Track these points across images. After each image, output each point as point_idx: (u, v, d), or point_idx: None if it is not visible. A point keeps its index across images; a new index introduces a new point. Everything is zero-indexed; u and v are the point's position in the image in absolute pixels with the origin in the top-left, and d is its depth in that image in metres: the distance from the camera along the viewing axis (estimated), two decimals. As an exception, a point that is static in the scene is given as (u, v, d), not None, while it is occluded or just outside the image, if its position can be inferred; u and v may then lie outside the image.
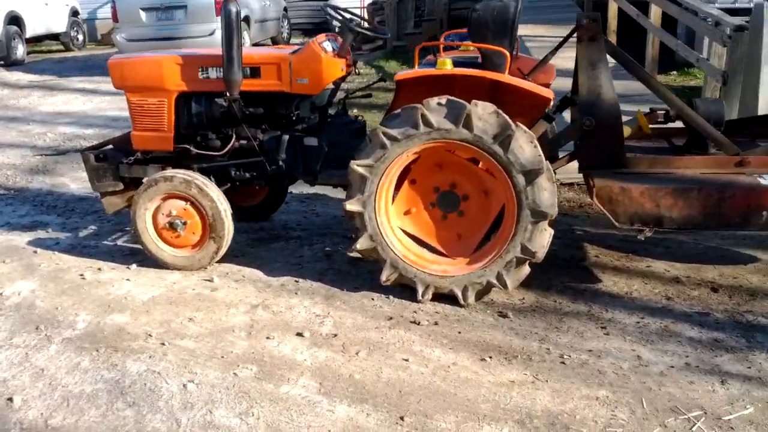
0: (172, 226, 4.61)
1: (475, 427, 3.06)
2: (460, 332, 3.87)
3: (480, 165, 4.20)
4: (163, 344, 3.80)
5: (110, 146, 5.13)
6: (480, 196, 4.17)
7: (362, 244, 4.18)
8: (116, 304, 4.29)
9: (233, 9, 4.39)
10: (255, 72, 4.54)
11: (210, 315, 4.12)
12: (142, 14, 12.53)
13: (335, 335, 3.86)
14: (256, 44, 13.65)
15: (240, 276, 4.63)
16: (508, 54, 4.07)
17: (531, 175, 3.88)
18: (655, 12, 8.87)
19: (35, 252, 5.15)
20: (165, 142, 4.79)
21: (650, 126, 4.65)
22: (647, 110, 4.68)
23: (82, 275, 4.71)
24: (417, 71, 4.10)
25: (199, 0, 12.42)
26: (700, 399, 3.21)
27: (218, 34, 12.23)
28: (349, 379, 3.45)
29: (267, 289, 4.43)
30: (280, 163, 4.70)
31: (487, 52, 4.18)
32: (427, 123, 3.92)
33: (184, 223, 4.59)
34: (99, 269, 4.80)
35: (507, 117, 3.86)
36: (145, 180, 4.67)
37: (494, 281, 4.07)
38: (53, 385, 3.47)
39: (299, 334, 3.87)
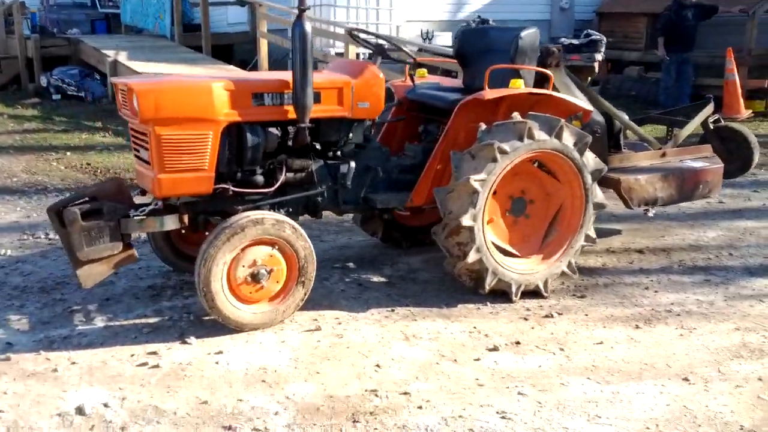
0: (255, 278, 3.78)
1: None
2: (587, 314, 4.26)
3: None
4: (428, 401, 3.26)
5: (86, 199, 3.84)
6: (543, 199, 4.57)
7: (472, 257, 4.19)
8: (279, 379, 3.40)
9: (307, 26, 3.88)
10: (315, 97, 4.04)
11: (398, 364, 3.61)
12: None
13: (516, 343, 3.87)
14: None
15: (331, 318, 4.06)
16: (551, 74, 4.59)
17: (596, 174, 4.51)
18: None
19: (6, 358, 3.52)
20: (204, 183, 3.86)
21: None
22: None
23: (146, 364, 3.50)
24: (504, 90, 4.30)
25: None
26: None
27: None
28: (626, 365, 3.63)
29: (386, 321, 4.05)
30: (329, 193, 4.26)
31: (526, 73, 4.59)
32: (531, 136, 4.21)
33: (269, 272, 3.81)
34: (154, 353, 3.60)
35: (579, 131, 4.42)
36: (222, 227, 3.70)
37: (566, 270, 4.56)
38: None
39: (494, 349, 3.75)
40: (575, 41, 10.46)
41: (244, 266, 3.75)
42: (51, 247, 5.19)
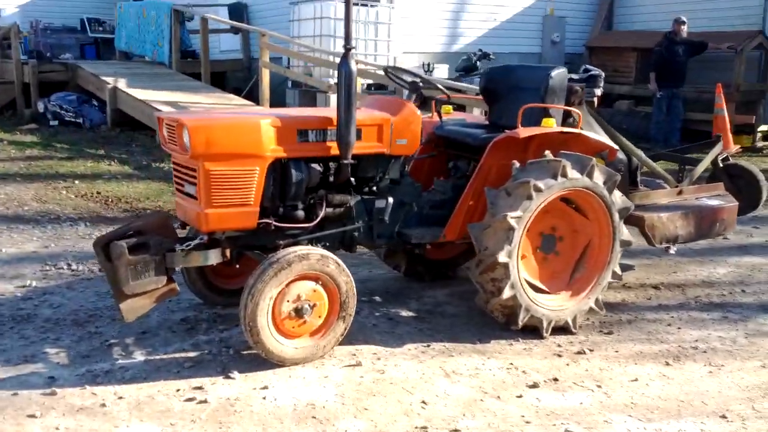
0: (298, 313, 3.81)
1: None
2: (617, 351, 4.33)
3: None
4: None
5: (131, 233, 3.86)
6: (571, 236, 4.65)
7: (507, 293, 4.25)
8: (328, 415, 3.42)
9: (353, 64, 3.95)
10: (357, 134, 4.10)
11: (443, 401, 3.65)
12: None
13: (554, 380, 3.93)
14: None
15: (369, 353, 4.09)
16: (580, 113, 4.70)
17: (623, 212, 4.61)
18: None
19: (51, 393, 3.50)
20: (249, 218, 3.91)
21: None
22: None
23: (193, 399, 3.50)
24: (538, 129, 4.39)
25: None
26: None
27: None
28: (664, 402, 3.70)
29: (423, 356, 4.08)
30: (364, 228, 4.32)
31: (555, 111, 4.70)
32: (564, 174, 4.30)
33: (312, 307, 3.85)
34: (199, 388, 3.61)
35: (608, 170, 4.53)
36: (269, 262, 3.72)
37: (594, 306, 4.64)
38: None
39: (534, 386, 3.81)
40: (575, 76, 10.69)
41: (288, 301, 3.78)
42: (75, 278, 5.18)
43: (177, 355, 3.98)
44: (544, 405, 3.63)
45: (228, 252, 4.00)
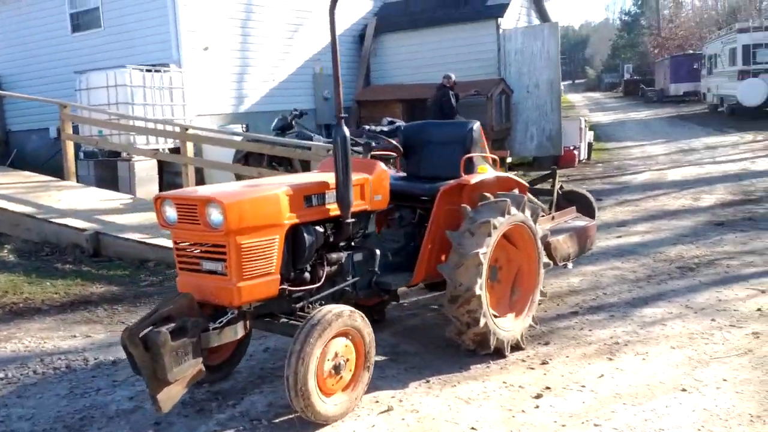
0: (336, 370, 3.86)
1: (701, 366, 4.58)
2: (567, 356, 4.94)
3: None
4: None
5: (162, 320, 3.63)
6: (506, 264, 5.20)
7: (482, 322, 4.67)
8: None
9: (346, 131, 4.14)
10: (346, 194, 4.27)
11: (486, 423, 3.93)
12: None
13: (548, 388, 4.41)
14: None
15: (387, 397, 4.23)
16: (498, 158, 5.29)
17: (544, 239, 5.30)
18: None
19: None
20: (273, 286, 3.91)
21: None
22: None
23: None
24: (482, 175, 4.89)
25: None
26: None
27: None
28: (636, 388, 4.32)
29: (433, 391, 4.31)
30: (365, 279, 4.50)
31: (478, 158, 5.25)
32: (509, 212, 4.86)
33: (346, 362, 3.92)
34: (269, 461, 3.50)
35: (533, 204, 5.18)
36: (311, 325, 3.70)
37: (532, 322, 5.24)
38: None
39: (539, 396, 4.26)
40: (384, 128, 11.41)
41: (329, 360, 3.83)
42: (15, 386, 4.54)
43: (213, 437, 3.80)
44: (560, 410, 4.10)
45: (248, 323, 3.93)
